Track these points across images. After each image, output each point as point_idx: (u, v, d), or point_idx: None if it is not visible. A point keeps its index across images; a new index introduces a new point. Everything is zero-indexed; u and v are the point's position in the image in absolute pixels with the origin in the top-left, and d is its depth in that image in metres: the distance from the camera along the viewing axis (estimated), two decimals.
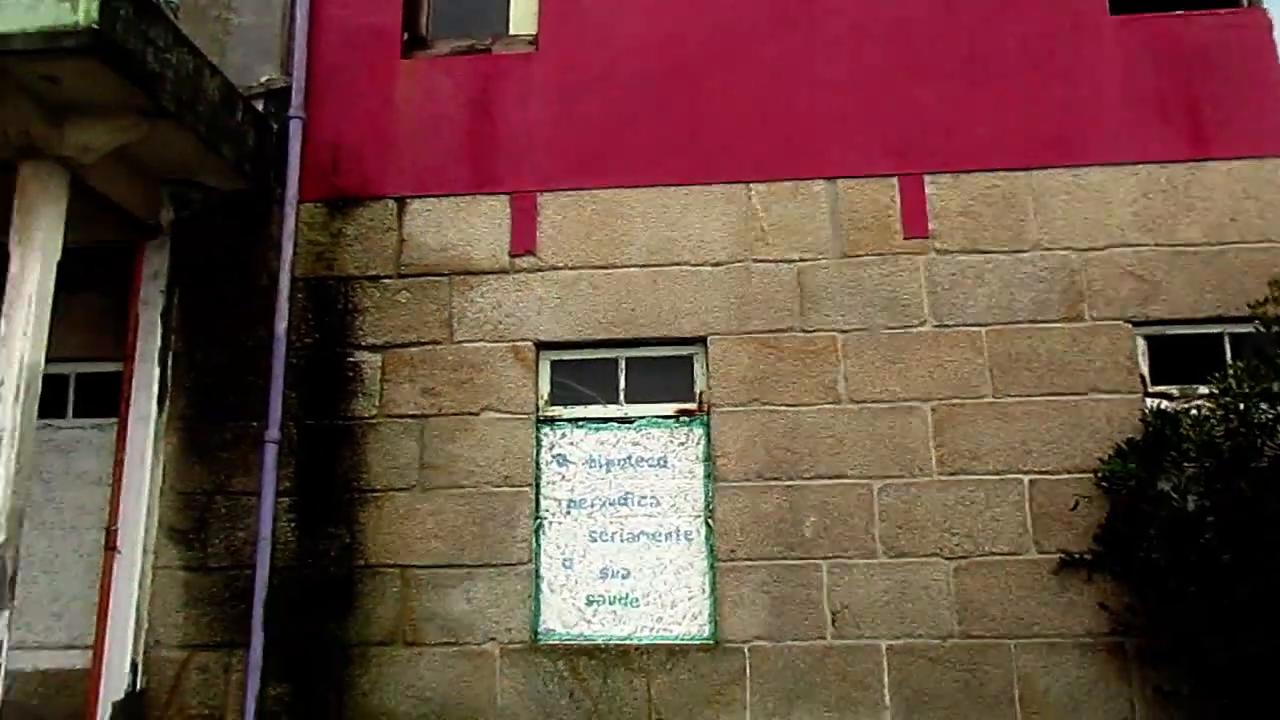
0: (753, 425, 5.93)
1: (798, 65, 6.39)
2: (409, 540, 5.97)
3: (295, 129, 6.52)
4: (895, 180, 6.18)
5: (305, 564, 6.01)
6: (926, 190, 6.15)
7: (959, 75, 6.28)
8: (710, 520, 5.91)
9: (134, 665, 5.91)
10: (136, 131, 5.43)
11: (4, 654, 4.87)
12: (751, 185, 6.26)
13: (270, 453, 6.08)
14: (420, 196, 6.43)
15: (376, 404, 6.18)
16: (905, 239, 6.10)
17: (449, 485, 6.03)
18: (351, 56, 6.68)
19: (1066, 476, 5.72)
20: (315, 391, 6.24)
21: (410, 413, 6.15)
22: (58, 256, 5.23)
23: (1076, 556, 5.62)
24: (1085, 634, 5.56)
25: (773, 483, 5.85)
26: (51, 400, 5.94)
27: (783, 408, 5.94)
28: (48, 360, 5.21)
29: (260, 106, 6.57)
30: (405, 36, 6.74)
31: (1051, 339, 5.91)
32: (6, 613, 4.88)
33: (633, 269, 6.21)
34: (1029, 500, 5.72)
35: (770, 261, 6.15)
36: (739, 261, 6.17)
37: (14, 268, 5.12)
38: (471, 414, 6.11)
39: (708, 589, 5.87)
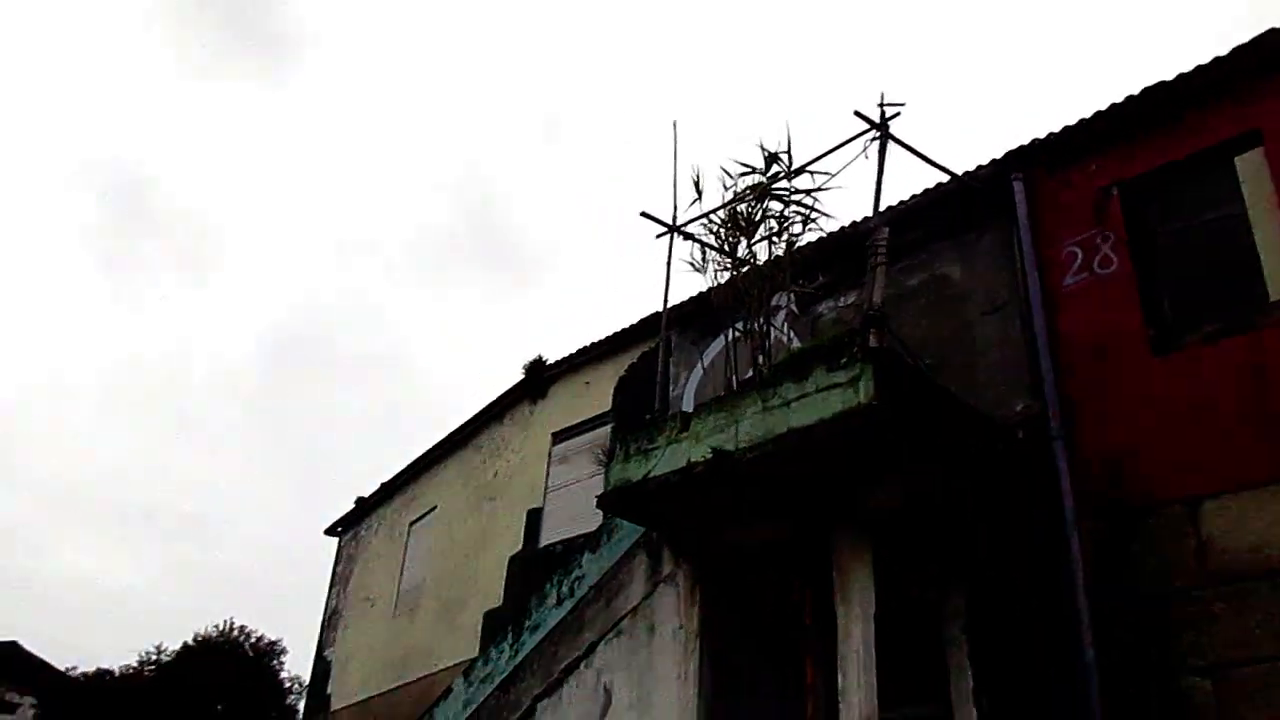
0: None
1: None
2: None
3: (1058, 450, 6.51)
4: None
5: None
6: None
7: None
8: None
9: None
10: (918, 483, 5.94)
11: None
12: None
13: None
14: (1212, 496, 5.86)
15: None
16: None
17: None
18: (1099, 369, 6.61)
19: None
20: None
21: None
22: (873, 611, 5.75)
23: None
24: None
25: None
26: None
27: None
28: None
29: (1019, 434, 6.75)
30: (1151, 333, 6.51)
31: None
32: None
33: None
34: None
35: None
36: None
37: (841, 628, 5.74)
38: None
39: None
